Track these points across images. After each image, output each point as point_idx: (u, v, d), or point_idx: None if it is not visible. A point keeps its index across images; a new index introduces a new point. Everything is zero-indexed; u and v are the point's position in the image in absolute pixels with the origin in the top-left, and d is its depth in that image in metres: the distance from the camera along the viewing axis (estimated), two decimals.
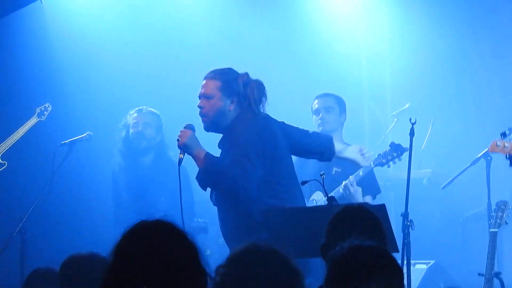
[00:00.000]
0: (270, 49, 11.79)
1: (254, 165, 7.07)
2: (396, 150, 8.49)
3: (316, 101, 9.12)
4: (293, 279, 4.07)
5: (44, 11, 9.72)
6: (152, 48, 11.10)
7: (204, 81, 7.34)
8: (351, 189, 8.52)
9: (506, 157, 7.83)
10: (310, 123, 9.08)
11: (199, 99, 7.27)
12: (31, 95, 10.23)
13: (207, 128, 7.20)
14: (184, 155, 7.07)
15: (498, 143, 7.84)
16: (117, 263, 3.25)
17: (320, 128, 8.96)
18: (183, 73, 10.76)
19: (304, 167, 8.65)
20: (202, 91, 7.30)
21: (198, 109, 7.26)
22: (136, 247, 3.30)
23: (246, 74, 7.38)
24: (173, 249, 3.34)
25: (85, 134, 9.32)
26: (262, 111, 7.31)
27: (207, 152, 7.16)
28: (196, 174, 7.47)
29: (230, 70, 7.46)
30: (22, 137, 9.71)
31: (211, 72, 7.41)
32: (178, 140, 7.16)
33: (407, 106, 10.70)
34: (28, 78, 10.42)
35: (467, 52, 11.72)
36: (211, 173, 7.18)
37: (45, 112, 9.68)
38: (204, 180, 7.24)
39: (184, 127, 7.18)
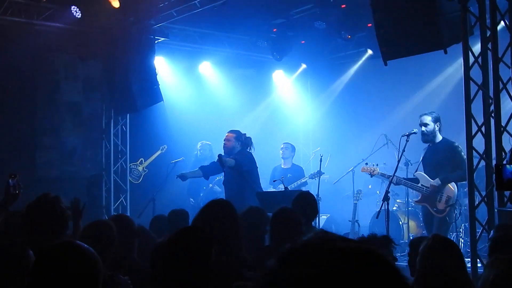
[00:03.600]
0: (258, 116, 12.60)
1: (251, 169, 8.50)
2: (319, 173, 9.59)
3: (282, 145, 10.52)
4: (265, 221, 4.91)
5: (164, 103, 10.14)
6: (205, 112, 11.71)
7: (228, 133, 8.72)
8: (297, 183, 9.91)
9: (370, 175, 8.88)
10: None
11: (224, 140, 8.64)
12: (159, 140, 11.10)
13: (226, 153, 8.44)
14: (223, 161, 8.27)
15: (365, 167, 8.86)
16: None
17: (281, 155, 10.41)
18: (217, 120, 11.40)
19: (274, 174, 10.08)
20: (226, 136, 8.65)
21: (224, 143, 8.63)
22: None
23: (245, 134, 8.66)
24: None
25: (181, 159, 10.20)
26: (250, 150, 8.65)
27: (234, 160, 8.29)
28: None
29: (239, 131, 8.69)
30: (154, 159, 10.99)
31: (231, 130, 8.75)
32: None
33: (318, 148, 11.60)
34: (159, 132, 11.15)
35: (346, 121, 12.55)
36: (236, 166, 8.30)
37: (164, 148, 10.98)
38: (232, 170, 8.33)
39: (219, 155, 8.28)
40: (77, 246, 2.32)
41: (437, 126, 8.04)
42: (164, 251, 2.50)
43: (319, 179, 9.37)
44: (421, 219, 8.98)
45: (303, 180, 10.02)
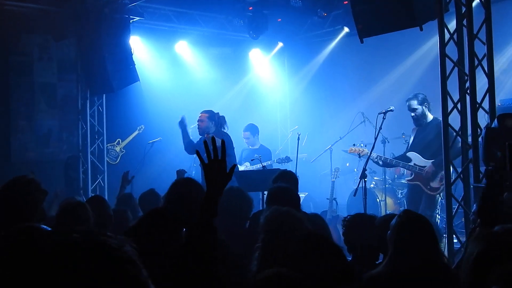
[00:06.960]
0: (235, 96, 12.54)
1: (231, 152, 8.21)
2: (288, 159, 9.73)
3: (242, 134, 10.24)
4: (247, 202, 4.91)
5: (141, 83, 9.77)
6: (182, 91, 11.44)
7: (201, 113, 8.67)
8: (268, 162, 9.63)
9: (358, 156, 8.79)
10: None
11: (197, 121, 8.56)
12: (136, 120, 10.97)
13: (200, 133, 8.46)
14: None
15: (352, 148, 8.70)
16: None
17: (247, 143, 10.27)
18: (194, 100, 11.01)
19: (242, 155, 10.10)
20: (200, 117, 8.60)
21: (197, 123, 8.58)
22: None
23: (218, 113, 8.65)
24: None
25: (158, 139, 10.58)
26: (225, 129, 8.62)
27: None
28: None
29: (211, 111, 8.63)
30: (132, 139, 10.89)
31: (204, 110, 8.69)
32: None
33: (296, 127, 11.44)
34: (136, 112, 11.02)
35: (323, 99, 12.64)
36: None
37: (141, 129, 10.90)
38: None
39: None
40: (39, 229, 2.27)
41: (425, 107, 8.05)
42: (133, 235, 2.42)
43: (296, 161, 9.34)
44: (405, 196, 8.97)
45: (268, 163, 9.79)
